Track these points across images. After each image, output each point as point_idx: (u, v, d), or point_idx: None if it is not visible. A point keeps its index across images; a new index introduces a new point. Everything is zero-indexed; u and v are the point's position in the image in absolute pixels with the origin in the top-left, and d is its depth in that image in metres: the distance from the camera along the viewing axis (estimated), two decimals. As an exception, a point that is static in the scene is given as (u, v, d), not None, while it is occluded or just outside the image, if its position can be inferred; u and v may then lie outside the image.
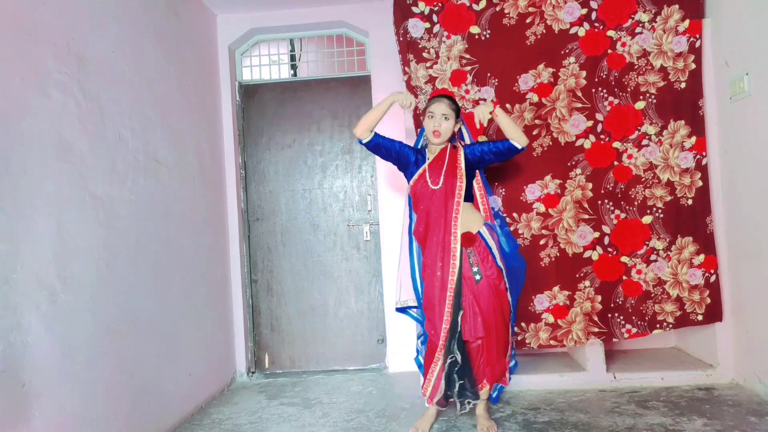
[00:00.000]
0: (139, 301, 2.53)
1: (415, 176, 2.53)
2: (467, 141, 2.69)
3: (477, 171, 2.60)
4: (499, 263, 2.46)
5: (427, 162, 2.52)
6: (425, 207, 2.50)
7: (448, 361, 2.42)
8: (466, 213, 2.47)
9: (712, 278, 3.05)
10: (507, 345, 2.54)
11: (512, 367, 2.68)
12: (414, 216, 2.60)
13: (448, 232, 2.42)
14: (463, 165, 2.49)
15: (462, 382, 2.44)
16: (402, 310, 2.73)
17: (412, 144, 2.76)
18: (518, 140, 2.42)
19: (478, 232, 2.47)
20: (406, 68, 3.18)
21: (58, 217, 2.03)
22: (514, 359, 2.69)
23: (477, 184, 2.62)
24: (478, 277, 2.42)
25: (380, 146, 2.53)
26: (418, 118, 3.10)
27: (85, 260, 2.17)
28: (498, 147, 2.46)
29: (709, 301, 3.04)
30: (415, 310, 2.70)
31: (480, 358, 2.48)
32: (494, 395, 2.63)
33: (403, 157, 2.56)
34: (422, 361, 2.60)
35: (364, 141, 2.50)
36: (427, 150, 2.60)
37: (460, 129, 2.66)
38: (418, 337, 2.71)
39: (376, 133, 2.51)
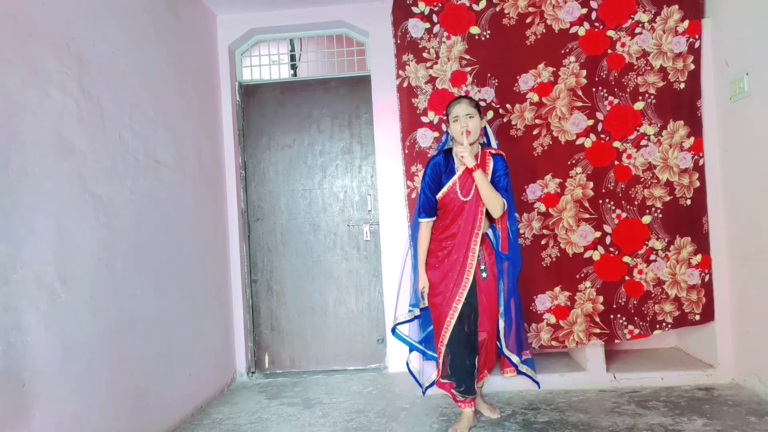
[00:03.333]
0: (139, 301, 2.53)
1: (445, 189, 2.55)
2: (493, 142, 2.70)
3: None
4: (500, 265, 2.64)
5: (458, 174, 2.54)
6: (455, 215, 2.55)
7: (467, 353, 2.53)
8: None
9: (707, 278, 3.06)
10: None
11: (530, 360, 2.83)
12: (424, 217, 2.63)
13: (473, 236, 2.52)
14: (490, 178, 2.53)
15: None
16: (397, 332, 2.87)
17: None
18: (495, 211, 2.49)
19: (485, 234, 2.59)
20: (401, 71, 3.17)
21: (58, 217, 2.02)
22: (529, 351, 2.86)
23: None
24: (484, 274, 2.57)
25: (435, 206, 2.60)
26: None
27: (85, 260, 2.17)
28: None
29: (704, 300, 3.06)
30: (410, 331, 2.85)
31: (482, 350, 2.62)
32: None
33: (435, 180, 2.57)
34: (416, 369, 2.85)
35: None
36: (454, 156, 2.58)
37: (485, 128, 2.68)
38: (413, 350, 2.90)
39: (426, 219, 2.61)
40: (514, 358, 2.72)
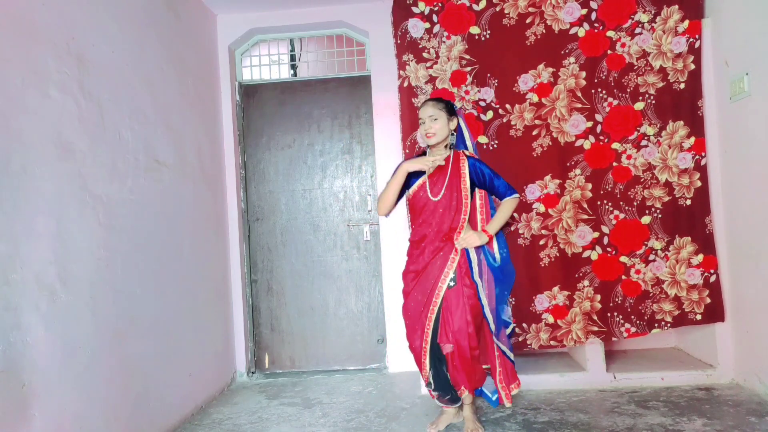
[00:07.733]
0: (139, 301, 2.53)
1: (414, 186, 2.49)
2: (468, 142, 2.57)
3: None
4: (476, 278, 2.42)
5: (428, 172, 2.47)
6: (425, 220, 2.46)
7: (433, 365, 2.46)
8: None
9: (712, 278, 3.05)
10: (480, 352, 2.48)
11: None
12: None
13: (450, 245, 2.42)
14: (468, 179, 2.44)
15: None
16: None
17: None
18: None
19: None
20: (401, 71, 3.18)
21: (58, 217, 2.02)
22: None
23: (480, 200, 2.55)
24: (452, 283, 2.41)
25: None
26: (409, 114, 3.15)
27: (85, 260, 2.17)
28: (496, 192, 2.48)
29: (708, 300, 3.05)
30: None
31: (452, 364, 2.45)
32: (494, 398, 2.56)
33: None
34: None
35: (388, 216, 2.58)
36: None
37: (459, 127, 2.55)
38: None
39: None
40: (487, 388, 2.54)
